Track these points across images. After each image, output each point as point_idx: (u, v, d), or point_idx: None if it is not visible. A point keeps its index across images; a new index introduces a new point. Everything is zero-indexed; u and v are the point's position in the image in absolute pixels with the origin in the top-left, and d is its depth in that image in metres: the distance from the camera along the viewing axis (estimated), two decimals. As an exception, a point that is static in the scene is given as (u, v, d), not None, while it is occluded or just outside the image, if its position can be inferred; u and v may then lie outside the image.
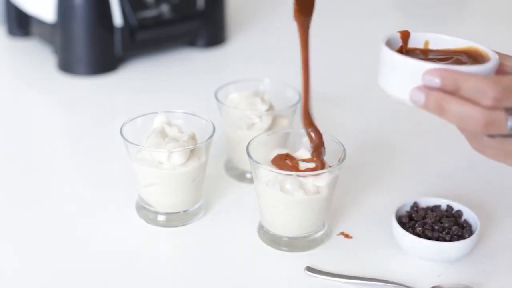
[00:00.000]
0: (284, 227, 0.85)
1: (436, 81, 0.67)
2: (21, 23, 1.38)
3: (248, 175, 0.97)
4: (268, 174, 0.81)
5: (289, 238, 0.85)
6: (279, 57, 1.37)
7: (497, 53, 0.72)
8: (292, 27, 1.49)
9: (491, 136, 0.69)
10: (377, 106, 1.19)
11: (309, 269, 0.81)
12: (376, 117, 1.15)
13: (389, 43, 0.73)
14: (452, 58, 0.74)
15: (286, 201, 0.82)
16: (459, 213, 0.86)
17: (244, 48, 1.40)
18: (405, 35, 0.76)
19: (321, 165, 0.82)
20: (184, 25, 1.33)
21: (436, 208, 0.86)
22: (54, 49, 1.29)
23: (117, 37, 1.27)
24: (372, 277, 0.80)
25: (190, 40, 1.37)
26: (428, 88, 0.68)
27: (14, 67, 1.36)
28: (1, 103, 1.22)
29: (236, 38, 1.43)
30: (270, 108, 0.96)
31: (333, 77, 1.29)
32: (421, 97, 0.68)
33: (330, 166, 0.83)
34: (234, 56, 1.38)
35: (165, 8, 1.29)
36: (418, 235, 0.82)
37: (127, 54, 1.30)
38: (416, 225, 0.83)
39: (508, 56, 0.73)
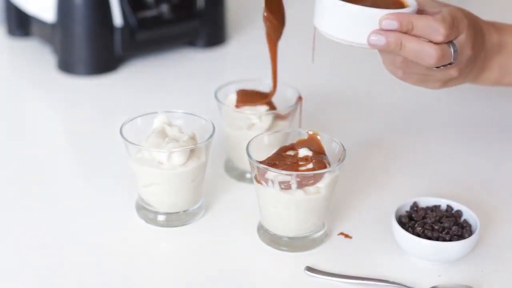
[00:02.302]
0: (284, 227, 0.85)
1: (394, 24, 0.77)
2: (21, 23, 1.38)
3: (248, 175, 0.97)
4: (268, 174, 0.81)
5: (289, 238, 0.85)
6: (279, 57, 1.37)
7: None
8: (292, 27, 1.49)
9: (438, 67, 0.82)
10: (377, 107, 1.19)
11: (309, 269, 0.81)
12: (376, 117, 1.15)
13: None
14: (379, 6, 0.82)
15: (286, 201, 0.82)
16: (459, 213, 0.86)
17: (244, 48, 1.40)
18: None
19: (319, 165, 0.82)
20: (184, 25, 1.33)
21: (436, 208, 0.86)
22: (54, 49, 1.29)
23: (117, 37, 1.27)
24: (372, 277, 0.80)
25: (190, 40, 1.37)
26: (385, 31, 0.78)
27: (14, 67, 1.36)
28: (1, 103, 1.22)
29: (236, 38, 1.43)
30: (270, 108, 0.96)
31: (333, 78, 1.29)
32: (381, 38, 0.78)
33: (330, 166, 0.83)
34: (234, 56, 1.38)
35: (165, 8, 1.29)
36: (418, 235, 0.82)
37: (127, 54, 1.30)
38: (416, 225, 0.83)
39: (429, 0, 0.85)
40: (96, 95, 1.23)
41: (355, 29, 0.79)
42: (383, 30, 0.78)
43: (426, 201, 0.87)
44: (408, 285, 0.79)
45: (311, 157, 0.83)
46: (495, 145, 1.07)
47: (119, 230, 0.88)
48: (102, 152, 1.05)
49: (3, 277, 0.80)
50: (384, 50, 0.80)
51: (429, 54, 0.78)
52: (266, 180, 0.82)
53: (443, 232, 0.82)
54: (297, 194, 0.81)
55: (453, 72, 0.84)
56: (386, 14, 0.78)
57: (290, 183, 0.81)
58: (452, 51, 0.80)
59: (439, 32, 0.78)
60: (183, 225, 0.89)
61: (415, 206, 0.87)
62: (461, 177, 1.00)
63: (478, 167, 1.02)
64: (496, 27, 0.91)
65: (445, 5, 0.83)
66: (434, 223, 0.83)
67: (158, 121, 0.90)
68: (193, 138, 0.88)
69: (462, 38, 0.82)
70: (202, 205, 0.91)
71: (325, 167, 0.82)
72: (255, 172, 0.83)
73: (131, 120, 0.90)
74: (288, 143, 0.88)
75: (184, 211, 0.89)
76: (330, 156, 0.85)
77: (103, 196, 0.95)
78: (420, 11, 0.82)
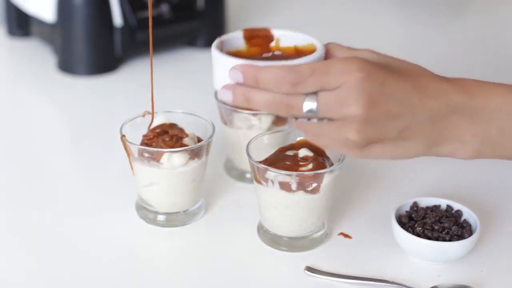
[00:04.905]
0: (284, 227, 0.85)
1: (239, 76, 0.71)
2: (21, 23, 1.38)
3: (248, 175, 0.97)
4: (268, 174, 0.81)
5: (289, 238, 0.85)
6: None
7: (332, 45, 0.75)
8: (292, 27, 1.47)
9: (296, 118, 0.73)
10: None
11: (309, 269, 0.81)
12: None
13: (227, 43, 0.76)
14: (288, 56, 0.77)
15: (286, 201, 0.82)
16: (459, 213, 0.86)
17: (244, 48, 1.40)
18: (248, 34, 0.78)
19: (319, 165, 0.82)
20: (184, 25, 1.33)
21: (436, 208, 0.86)
22: (54, 49, 1.29)
23: (117, 37, 1.27)
24: (372, 277, 0.80)
25: (190, 40, 1.37)
26: (233, 85, 0.72)
27: (14, 67, 1.36)
28: (1, 103, 1.22)
29: (236, 38, 1.43)
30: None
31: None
32: (228, 95, 0.72)
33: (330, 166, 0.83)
34: (234, 56, 1.38)
35: (165, 8, 1.29)
36: (418, 235, 0.82)
37: (127, 54, 1.30)
38: (416, 225, 0.83)
39: (342, 47, 0.75)
40: (96, 95, 1.23)
41: (217, 79, 0.73)
42: (231, 85, 0.72)
43: (426, 201, 0.87)
44: (408, 285, 0.79)
45: (311, 157, 0.83)
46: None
47: (119, 230, 0.88)
48: (102, 152, 1.05)
49: (4, 277, 0.80)
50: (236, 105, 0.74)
51: (276, 102, 0.70)
52: (266, 180, 0.82)
53: (443, 232, 0.82)
54: (297, 194, 0.81)
55: (346, 133, 0.70)
56: (233, 64, 0.71)
57: (290, 183, 0.81)
58: (304, 102, 0.70)
59: (283, 81, 0.69)
60: (183, 225, 0.89)
61: (415, 206, 0.87)
62: (461, 177, 1.00)
63: (478, 167, 1.02)
64: (465, 88, 0.74)
65: (357, 50, 0.74)
66: (434, 223, 0.83)
67: (158, 121, 0.90)
68: (193, 138, 0.89)
69: (342, 93, 0.69)
70: (202, 205, 0.91)
71: (324, 167, 0.82)
72: (255, 172, 0.83)
73: (131, 120, 0.90)
74: (288, 143, 0.88)
75: (184, 211, 0.89)
76: (330, 156, 0.85)
77: (103, 196, 0.95)
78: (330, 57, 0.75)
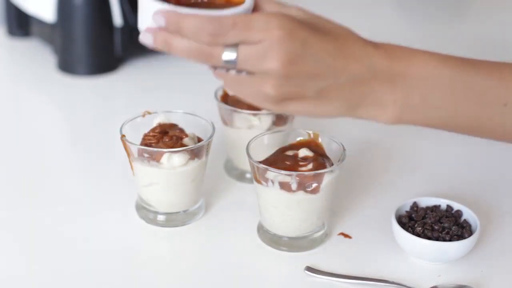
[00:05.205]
0: (284, 227, 0.85)
1: (162, 21, 0.70)
2: (21, 23, 1.38)
3: (248, 175, 0.97)
4: (268, 174, 0.81)
5: (289, 238, 0.85)
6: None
7: None
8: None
9: (214, 67, 0.73)
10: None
11: (309, 269, 0.81)
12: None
13: None
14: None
15: (286, 201, 0.82)
16: (459, 213, 0.86)
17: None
18: None
19: (319, 165, 0.82)
20: (184, 25, 1.33)
21: (436, 208, 0.86)
22: (54, 49, 1.29)
23: (117, 37, 1.27)
24: (372, 277, 0.80)
25: (190, 40, 1.37)
26: (156, 29, 0.71)
27: (14, 67, 1.36)
28: (1, 103, 1.22)
29: (236, 38, 1.43)
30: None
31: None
32: (149, 38, 0.72)
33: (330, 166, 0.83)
34: (234, 56, 1.38)
35: (165, 8, 1.29)
36: (418, 235, 0.82)
37: (127, 54, 1.30)
38: (416, 225, 0.83)
39: (272, 1, 0.74)
40: (96, 95, 1.23)
41: (141, 20, 0.73)
42: (153, 29, 0.72)
43: (426, 201, 0.87)
44: (408, 285, 0.79)
45: (311, 157, 0.83)
46: (495, 144, 1.07)
47: (119, 230, 0.88)
48: (102, 152, 1.05)
49: (4, 277, 0.80)
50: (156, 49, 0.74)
51: (194, 50, 0.71)
52: (266, 180, 0.82)
53: (443, 232, 0.82)
54: (297, 194, 0.81)
55: (264, 87, 0.70)
56: (157, 9, 0.71)
57: (290, 183, 0.81)
58: (224, 52, 0.70)
59: (204, 31, 0.69)
60: (183, 225, 0.89)
61: (415, 206, 0.87)
62: (461, 177, 1.00)
63: (478, 167, 1.02)
64: (390, 53, 0.74)
65: (285, 7, 0.74)
66: (434, 223, 0.83)
67: (158, 121, 0.90)
68: (193, 138, 0.89)
69: (262, 48, 0.69)
70: (202, 205, 0.91)
71: (324, 167, 0.82)
72: (255, 172, 0.83)
73: (131, 120, 0.90)
74: (288, 143, 0.88)
75: (184, 211, 0.89)
76: (330, 156, 0.85)
77: (103, 196, 0.95)
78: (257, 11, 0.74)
